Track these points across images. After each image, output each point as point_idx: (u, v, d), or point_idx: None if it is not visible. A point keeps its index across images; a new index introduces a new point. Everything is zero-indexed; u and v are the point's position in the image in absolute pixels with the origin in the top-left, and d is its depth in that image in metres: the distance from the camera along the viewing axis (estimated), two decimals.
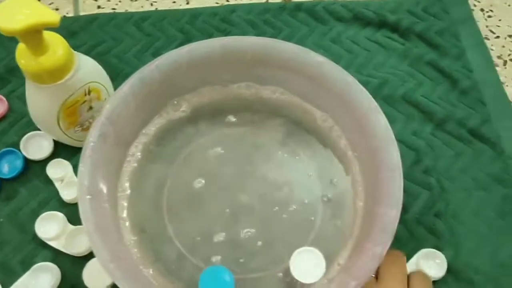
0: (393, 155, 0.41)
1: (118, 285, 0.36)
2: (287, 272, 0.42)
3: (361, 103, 0.44)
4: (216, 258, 0.44)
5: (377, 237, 0.38)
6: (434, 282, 0.46)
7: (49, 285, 0.45)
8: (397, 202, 0.39)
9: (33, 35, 0.39)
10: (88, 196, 0.39)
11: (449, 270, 0.46)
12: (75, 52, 0.44)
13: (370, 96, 0.44)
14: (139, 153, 0.48)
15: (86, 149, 0.41)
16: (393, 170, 0.41)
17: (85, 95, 0.46)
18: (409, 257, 0.46)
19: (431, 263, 0.46)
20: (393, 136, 0.43)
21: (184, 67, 0.46)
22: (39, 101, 0.45)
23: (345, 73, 0.45)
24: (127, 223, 0.45)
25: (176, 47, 0.47)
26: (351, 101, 0.45)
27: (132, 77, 0.45)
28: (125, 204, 0.45)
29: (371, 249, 0.38)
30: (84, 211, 0.39)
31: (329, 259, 0.43)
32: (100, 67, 0.48)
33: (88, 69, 0.46)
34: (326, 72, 0.46)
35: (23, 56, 0.42)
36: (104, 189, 0.42)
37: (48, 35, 0.42)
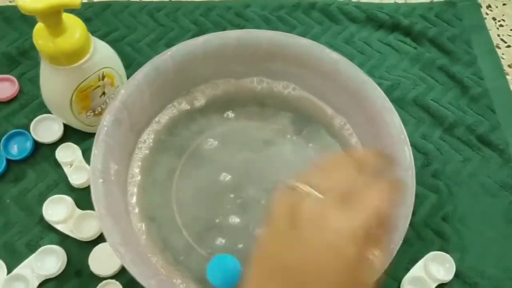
0: (406, 155, 0.42)
1: (128, 269, 0.36)
2: None
3: (375, 102, 0.45)
4: (223, 248, 0.44)
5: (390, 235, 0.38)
6: (441, 285, 0.46)
7: (55, 268, 0.44)
8: (409, 201, 0.40)
9: (53, 16, 0.39)
10: (101, 180, 0.39)
11: (455, 273, 0.46)
12: (92, 36, 0.44)
13: (384, 95, 0.45)
14: (150, 141, 0.48)
15: (100, 132, 0.41)
16: (406, 169, 0.41)
17: (99, 80, 0.46)
18: (417, 259, 0.47)
19: (439, 266, 0.46)
20: (406, 136, 0.43)
21: (199, 58, 0.46)
22: (53, 83, 0.45)
23: (360, 71, 0.46)
24: (136, 210, 0.44)
25: (189, 38, 0.47)
26: (366, 99, 0.45)
27: (146, 65, 0.45)
28: (135, 190, 0.45)
29: None
30: (96, 194, 0.38)
31: None
32: (115, 53, 0.48)
33: (103, 54, 0.46)
34: (341, 70, 0.46)
35: (40, 36, 0.41)
36: (116, 174, 0.42)
37: (67, 17, 0.42)
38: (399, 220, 0.39)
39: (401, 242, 0.38)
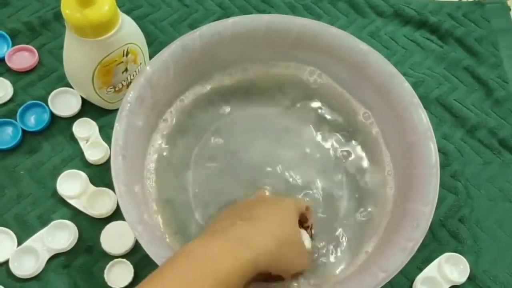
0: (432, 153, 0.41)
1: (145, 248, 0.36)
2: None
3: (403, 97, 0.44)
4: None
5: (410, 232, 0.38)
6: (454, 287, 0.45)
7: (66, 243, 0.44)
8: (433, 199, 0.39)
9: None
10: (121, 156, 0.39)
11: (468, 276, 0.46)
12: (120, 11, 0.43)
13: (413, 91, 0.44)
14: (171, 121, 0.47)
15: (124, 108, 0.40)
16: (431, 168, 0.40)
17: (123, 55, 0.45)
18: (430, 259, 0.46)
19: (453, 267, 0.46)
20: (433, 134, 0.42)
21: (227, 40, 0.45)
22: (77, 55, 0.44)
23: (390, 64, 0.45)
24: (152, 190, 0.44)
25: (214, 21, 0.46)
26: (393, 93, 0.44)
27: (174, 43, 0.44)
28: (153, 170, 0.45)
29: (402, 243, 0.37)
30: (116, 171, 0.38)
31: (357, 246, 0.42)
32: (140, 30, 0.47)
33: (129, 30, 0.45)
34: (371, 61, 0.45)
35: (68, 6, 0.41)
36: (136, 152, 0.41)
37: None
38: (421, 218, 0.38)
39: (421, 240, 0.38)
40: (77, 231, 0.45)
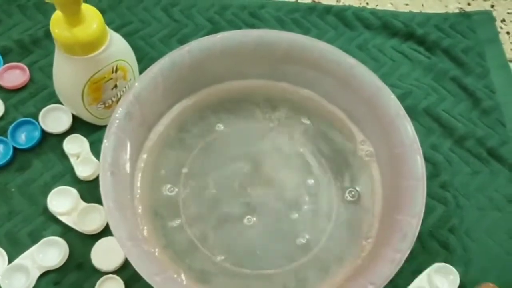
0: (418, 164, 0.41)
1: (134, 264, 0.36)
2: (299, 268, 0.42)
3: (389, 109, 0.44)
4: (227, 250, 0.44)
5: (397, 244, 0.38)
6: None
7: (57, 260, 0.44)
8: (419, 211, 0.39)
9: (72, 4, 0.39)
10: (109, 172, 0.39)
11: (458, 286, 0.46)
12: (108, 28, 0.44)
13: (398, 103, 0.44)
14: (160, 137, 0.47)
15: (112, 125, 0.40)
16: (417, 179, 0.41)
17: (112, 72, 0.46)
18: (420, 270, 0.46)
19: (443, 278, 0.46)
20: (419, 146, 0.42)
21: (216, 55, 0.46)
22: (66, 73, 0.45)
23: (376, 77, 0.45)
24: (141, 204, 0.44)
25: (203, 35, 0.47)
26: (380, 106, 0.45)
27: (163, 59, 0.44)
28: (141, 184, 0.45)
29: (390, 255, 0.38)
30: (104, 187, 0.38)
31: (344, 257, 0.43)
32: (129, 47, 0.48)
33: (118, 47, 0.46)
34: (357, 75, 0.46)
35: (57, 25, 0.41)
36: (125, 167, 0.41)
37: (85, 8, 0.41)
38: (408, 230, 0.39)
39: (408, 251, 0.38)
40: (67, 248, 0.45)
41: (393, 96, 0.45)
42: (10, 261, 0.44)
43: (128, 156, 0.42)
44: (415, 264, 0.47)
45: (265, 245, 0.44)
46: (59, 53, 0.43)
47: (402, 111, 0.44)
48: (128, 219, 0.39)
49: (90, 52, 0.42)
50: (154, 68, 0.44)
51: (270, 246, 0.44)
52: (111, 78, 0.46)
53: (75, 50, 0.42)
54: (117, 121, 0.41)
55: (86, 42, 0.41)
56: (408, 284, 0.46)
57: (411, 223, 0.39)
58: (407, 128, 0.43)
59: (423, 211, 0.40)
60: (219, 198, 0.46)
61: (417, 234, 0.38)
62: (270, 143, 0.49)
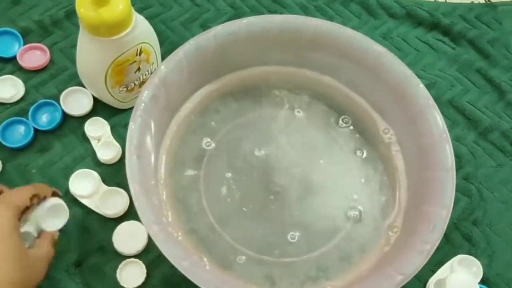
0: (448, 155, 0.41)
1: (160, 248, 0.35)
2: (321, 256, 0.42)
3: (418, 99, 0.44)
4: (249, 237, 0.43)
5: (426, 235, 0.38)
6: None
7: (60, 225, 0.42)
8: (449, 203, 0.39)
9: None
10: (136, 156, 0.38)
11: (481, 279, 0.45)
12: (133, 10, 0.43)
13: (427, 92, 0.44)
14: (184, 121, 0.47)
15: (138, 108, 0.40)
16: (447, 170, 0.40)
17: (136, 55, 0.45)
18: (443, 262, 0.46)
19: (466, 270, 0.45)
20: (448, 136, 0.42)
21: (241, 40, 0.45)
22: (91, 54, 0.44)
23: (404, 66, 0.45)
24: (165, 189, 0.44)
25: (225, 21, 0.46)
26: (408, 95, 0.44)
27: (188, 42, 0.44)
28: (165, 169, 0.44)
29: (419, 246, 0.37)
30: (131, 171, 0.38)
31: (370, 247, 0.42)
32: (153, 30, 0.47)
33: (143, 29, 0.45)
34: (385, 63, 0.45)
35: (83, 5, 0.40)
36: (149, 151, 0.41)
37: None
38: (437, 221, 0.38)
39: (438, 243, 0.38)
40: (68, 214, 0.42)
41: (422, 86, 0.44)
42: None
43: (153, 140, 0.41)
44: (438, 255, 0.46)
45: (287, 232, 0.44)
46: (83, 34, 0.43)
47: (432, 101, 0.43)
48: (153, 204, 0.39)
49: (116, 33, 0.42)
50: (180, 52, 0.43)
51: (291, 237, 0.44)
52: (135, 61, 0.45)
53: (100, 31, 0.41)
54: (143, 104, 0.40)
55: (112, 23, 0.41)
56: (431, 275, 0.45)
57: (441, 214, 0.38)
58: (437, 118, 0.42)
59: (452, 203, 0.39)
60: (242, 184, 0.45)
61: (446, 225, 0.38)
62: (293, 130, 0.48)
